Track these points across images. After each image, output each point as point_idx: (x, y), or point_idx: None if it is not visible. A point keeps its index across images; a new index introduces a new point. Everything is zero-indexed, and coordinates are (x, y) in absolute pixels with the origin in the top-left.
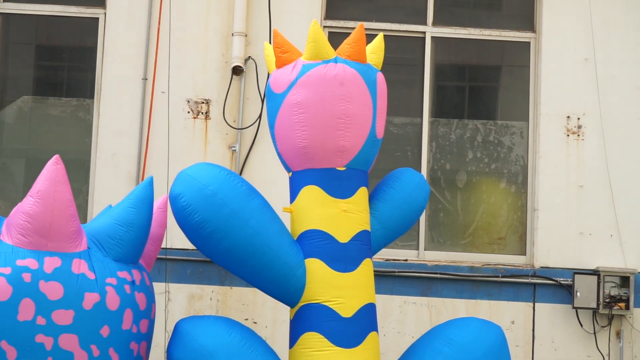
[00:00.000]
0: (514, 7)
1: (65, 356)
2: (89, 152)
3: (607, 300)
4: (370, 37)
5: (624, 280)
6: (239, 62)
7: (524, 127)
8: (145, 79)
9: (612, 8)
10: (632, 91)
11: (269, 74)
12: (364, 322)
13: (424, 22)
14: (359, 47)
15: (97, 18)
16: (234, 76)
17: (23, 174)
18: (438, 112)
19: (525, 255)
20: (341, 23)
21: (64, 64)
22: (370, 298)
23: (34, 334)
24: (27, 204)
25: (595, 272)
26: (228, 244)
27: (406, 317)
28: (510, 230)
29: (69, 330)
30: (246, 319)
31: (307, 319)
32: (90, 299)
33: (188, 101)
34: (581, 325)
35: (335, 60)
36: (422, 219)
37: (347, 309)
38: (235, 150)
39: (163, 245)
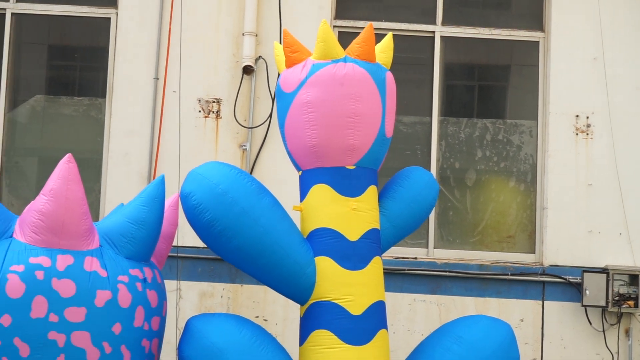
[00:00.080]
0: (523, 6)
1: (78, 353)
2: (100, 151)
3: (616, 298)
4: (380, 37)
5: (633, 279)
6: (249, 62)
7: (533, 126)
8: (156, 78)
9: (621, 7)
10: None
11: (279, 74)
12: (374, 319)
13: (433, 22)
14: (368, 46)
15: (109, 18)
16: (244, 76)
17: (36, 173)
18: (447, 111)
19: (534, 253)
20: (351, 23)
21: (76, 63)
22: (379, 296)
23: (46, 331)
24: (40, 203)
25: (604, 271)
26: (238, 242)
27: (415, 315)
28: (519, 229)
29: (81, 327)
30: (257, 317)
31: (317, 317)
32: (102, 297)
33: (199, 100)
34: (590, 323)
35: (345, 60)
36: (432, 217)
37: (356, 307)
38: (245, 149)
39: (174, 244)
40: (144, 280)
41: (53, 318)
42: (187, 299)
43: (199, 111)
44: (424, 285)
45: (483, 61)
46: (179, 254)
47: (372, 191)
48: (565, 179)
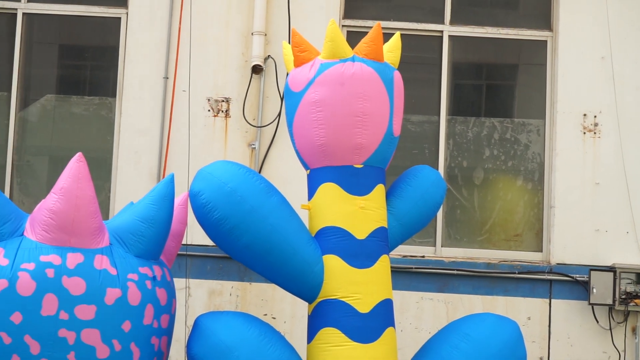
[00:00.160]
0: (531, 6)
1: (88, 351)
2: (111, 150)
3: (623, 296)
4: (388, 36)
5: None
6: (258, 61)
7: (541, 125)
8: (166, 77)
9: (628, 6)
10: None
11: (287, 73)
12: (381, 317)
13: (441, 21)
14: (376, 45)
15: (119, 18)
16: (253, 75)
17: (46, 172)
18: (455, 110)
19: (541, 251)
20: (360, 22)
21: (86, 63)
22: (387, 294)
23: (57, 328)
24: (51, 201)
25: (611, 269)
26: (247, 241)
27: (423, 313)
28: (526, 227)
29: (91, 325)
30: (265, 315)
31: (325, 315)
32: (112, 295)
33: (208, 99)
34: (597, 322)
35: (353, 59)
36: (439, 215)
37: (364, 305)
38: (254, 147)
39: (184, 242)
40: (154, 278)
41: (63, 316)
42: (196, 297)
43: (209, 110)
44: (431, 284)
45: (491, 60)
46: (188, 252)
47: (379, 190)
48: (573, 177)
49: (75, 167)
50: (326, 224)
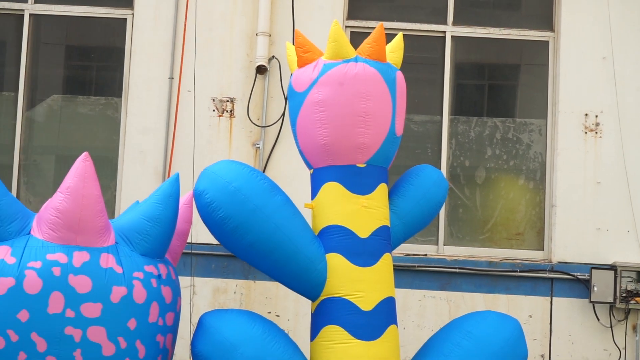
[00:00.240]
0: (533, 6)
1: (94, 348)
2: (116, 150)
3: (624, 294)
4: (392, 37)
5: None
6: (263, 62)
7: (543, 124)
8: (171, 78)
9: (629, 7)
10: None
11: (291, 73)
12: (384, 315)
13: (444, 22)
14: (378, 46)
15: (125, 19)
16: (258, 75)
17: (53, 171)
18: (458, 110)
19: (543, 250)
20: (363, 23)
21: (93, 63)
22: (389, 292)
23: (63, 326)
24: (57, 200)
25: (612, 267)
26: (251, 239)
27: (425, 311)
28: (528, 226)
29: (97, 322)
30: (269, 312)
31: (328, 312)
32: (117, 293)
33: (213, 100)
34: (598, 319)
35: (356, 60)
36: (442, 214)
37: (367, 303)
38: (259, 147)
39: (189, 240)
40: (159, 276)
41: (69, 313)
42: (201, 295)
43: (213, 110)
44: (433, 282)
45: (493, 61)
46: (193, 251)
47: (382, 189)
48: (574, 177)
49: (82, 166)
50: (329, 222)
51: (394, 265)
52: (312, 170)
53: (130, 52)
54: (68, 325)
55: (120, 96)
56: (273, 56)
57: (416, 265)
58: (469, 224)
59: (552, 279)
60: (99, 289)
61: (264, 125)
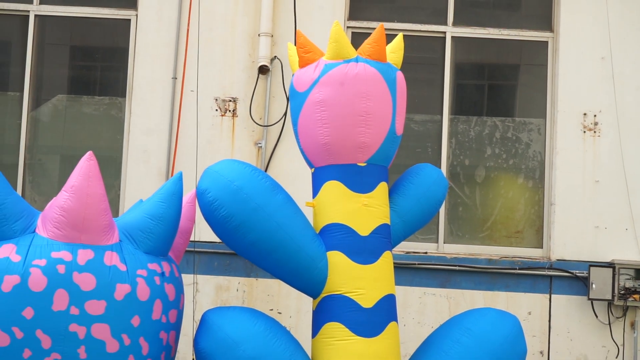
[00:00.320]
0: (532, 7)
1: (98, 345)
2: (120, 149)
3: (622, 292)
4: (392, 37)
5: (639, 273)
6: (265, 62)
7: (542, 124)
8: (175, 78)
9: (628, 7)
10: None
11: (293, 74)
12: (384, 312)
13: (444, 23)
14: (379, 46)
15: (129, 20)
16: (260, 75)
17: (58, 170)
18: (458, 109)
19: (542, 248)
20: (364, 23)
21: (97, 64)
22: (390, 289)
23: (67, 323)
24: (62, 199)
25: (610, 265)
26: (253, 238)
27: (425, 308)
28: (527, 224)
29: (101, 320)
30: (271, 310)
31: (329, 310)
32: (121, 290)
33: (216, 99)
34: (596, 317)
35: (357, 60)
36: (442, 213)
37: (367, 300)
38: (261, 146)
39: (191, 239)
40: (162, 274)
41: (74, 311)
42: (204, 293)
43: (216, 110)
44: (434, 279)
45: (493, 61)
46: (196, 249)
47: (382, 187)
48: (573, 176)
49: (86, 165)
50: (330, 221)
51: (394, 263)
52: (313, 169)
53: (134, 52)
54: (72, 323)
55: (124, 96)
56: (275, 56)
57: (416, 262)
58: (468, 222)
59: (551, 277)
60: (103, 287)
61: (266, 124)
